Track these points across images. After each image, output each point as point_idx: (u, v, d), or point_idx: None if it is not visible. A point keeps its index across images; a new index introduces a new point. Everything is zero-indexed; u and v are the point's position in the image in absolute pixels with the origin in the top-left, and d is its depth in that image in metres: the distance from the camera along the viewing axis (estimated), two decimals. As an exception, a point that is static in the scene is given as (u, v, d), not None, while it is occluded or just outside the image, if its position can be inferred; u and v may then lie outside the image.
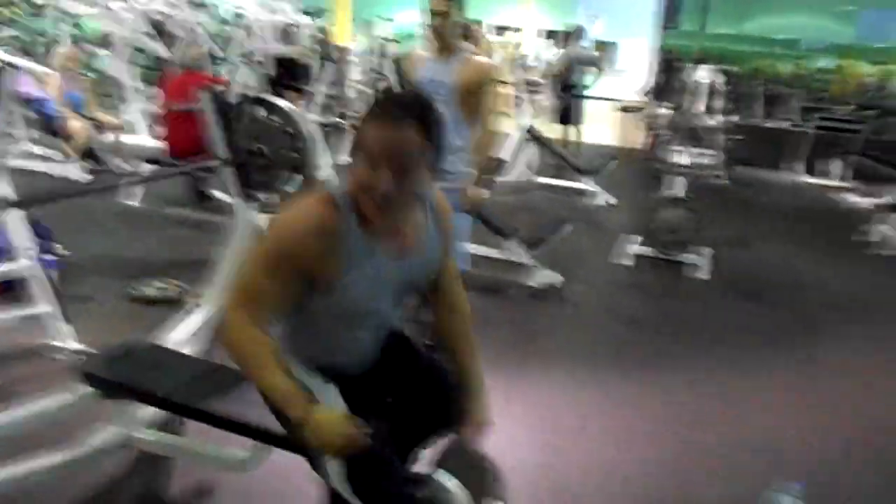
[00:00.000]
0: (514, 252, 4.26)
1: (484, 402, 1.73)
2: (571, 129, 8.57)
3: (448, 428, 1.70)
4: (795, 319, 4.24)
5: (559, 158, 7.02)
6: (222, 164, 2.66)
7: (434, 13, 2.83)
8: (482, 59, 2.99)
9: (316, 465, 1.51)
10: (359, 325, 1.57)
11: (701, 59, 13.76)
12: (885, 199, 6.85)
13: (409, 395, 1.70)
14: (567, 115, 8.46)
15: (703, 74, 7.84)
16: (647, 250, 5.02)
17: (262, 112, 2.54)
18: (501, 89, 3.00)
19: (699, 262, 4.87)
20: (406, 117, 1.34)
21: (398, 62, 3.99)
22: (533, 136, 6.75)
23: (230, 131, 2.60)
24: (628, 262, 4.96)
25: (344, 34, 9.47)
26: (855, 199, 7.40)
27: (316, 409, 1.39)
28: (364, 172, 1.36)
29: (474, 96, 2.89)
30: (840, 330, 4.14)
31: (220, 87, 3.35)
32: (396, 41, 15.84)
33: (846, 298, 4.68)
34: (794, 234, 6.23)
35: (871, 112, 11.96)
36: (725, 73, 8.87)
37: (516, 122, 6.80)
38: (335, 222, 1.39)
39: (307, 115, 3.27)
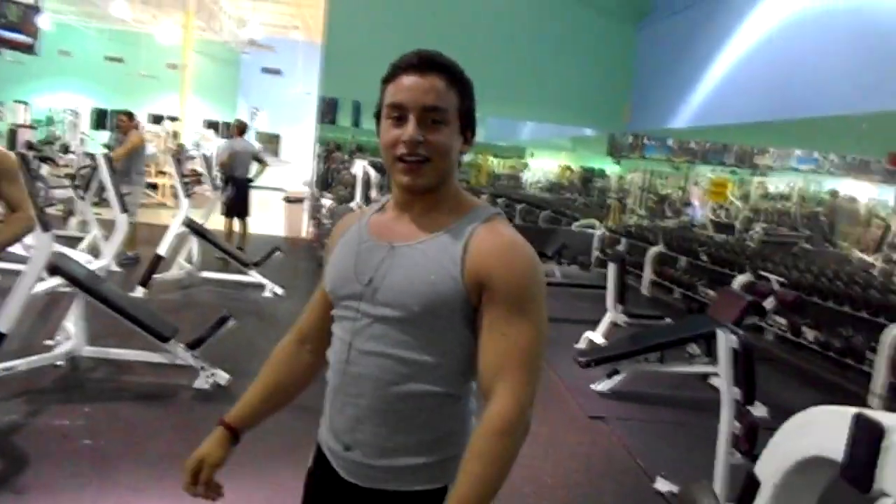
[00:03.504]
0: (175, 354, 4.01)
1: None
2: (237, 221, 8.48)
3: None
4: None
5: (221, 251, 6.87)
6: None
7: None
8: None
9: None
10: None
11: (357, 150, 14.79)
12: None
13: None
14: (232, 206, 8.37)
15: (359, 166, 8.45)
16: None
17: None
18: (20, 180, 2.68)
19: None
20: (434, 67, 1.20)
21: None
22: (192, 228, 6.52)
23: None
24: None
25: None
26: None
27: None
28: (389, 129, 1.20)
29: None
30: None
31: None
32: (33, 127, 14.30)
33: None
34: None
35: (502, 200, 14.03)
36: (378, 165, 9.64)
37: (175, 215, 6.53)
38: None
39: None
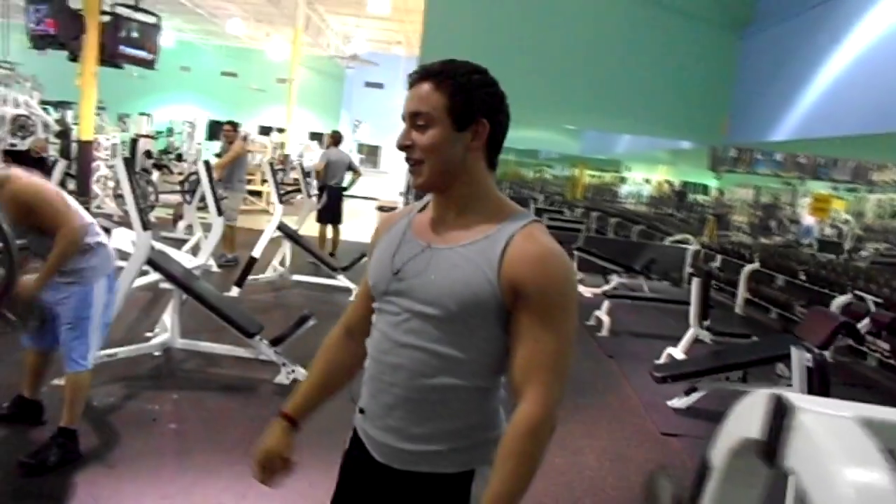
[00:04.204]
0: (259, 349, 4.25)
1: None
2: (330, 227, 8.82)
3: None
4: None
5: (312, 255, 7.17)
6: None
7: None
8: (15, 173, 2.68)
9: None
10: None
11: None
12: (602, 289, 7.90)
13: None
14: (325, 213, 8.71)
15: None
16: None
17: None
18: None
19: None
20: (424, 76, 1.29)
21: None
22: (285, 233, 6.86)
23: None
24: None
25: (88, 128, 8.97)
26: (581, 289, 8.39)
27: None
28: None
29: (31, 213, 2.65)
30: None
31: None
32: (153, 137, 15.40)
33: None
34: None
35: (596, 213, 13.85)
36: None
37: (270, 220, 6.89)
38: None
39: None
